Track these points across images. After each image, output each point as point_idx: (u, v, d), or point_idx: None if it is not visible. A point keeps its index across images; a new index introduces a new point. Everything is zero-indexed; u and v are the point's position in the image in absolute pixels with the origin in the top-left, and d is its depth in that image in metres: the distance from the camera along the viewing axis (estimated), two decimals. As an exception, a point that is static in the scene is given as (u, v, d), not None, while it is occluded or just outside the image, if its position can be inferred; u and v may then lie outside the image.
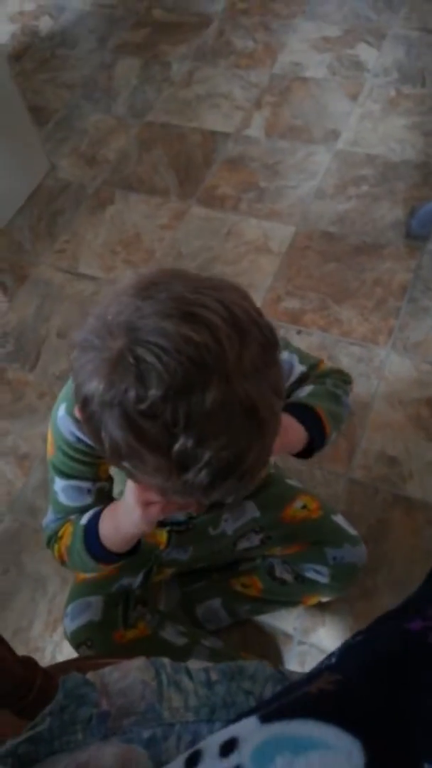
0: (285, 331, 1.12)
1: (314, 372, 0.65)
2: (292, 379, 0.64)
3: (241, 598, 0.80)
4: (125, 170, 1.41)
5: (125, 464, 0.43)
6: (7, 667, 0.45)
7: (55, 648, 0.88)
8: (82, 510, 0.62)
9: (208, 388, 0.38)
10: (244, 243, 1.25)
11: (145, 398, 0.38)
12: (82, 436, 0.57)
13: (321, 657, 0.80)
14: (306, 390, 0.64)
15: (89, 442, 0.56)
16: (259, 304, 1.14)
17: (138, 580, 0.75)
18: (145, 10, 1.75)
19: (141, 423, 0.39)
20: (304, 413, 0.60)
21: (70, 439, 0.58)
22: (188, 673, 0.41)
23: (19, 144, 1.37)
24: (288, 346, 0.64)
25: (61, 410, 0.59)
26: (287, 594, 0.78)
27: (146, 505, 0.51)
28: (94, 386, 0.40)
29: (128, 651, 0.71)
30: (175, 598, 0.83)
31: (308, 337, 1.10)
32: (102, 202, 1.37)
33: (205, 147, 1.41)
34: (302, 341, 1.10)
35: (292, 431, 0.58)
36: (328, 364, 0.69)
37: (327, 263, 1.18)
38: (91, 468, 0.60)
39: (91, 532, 0.59)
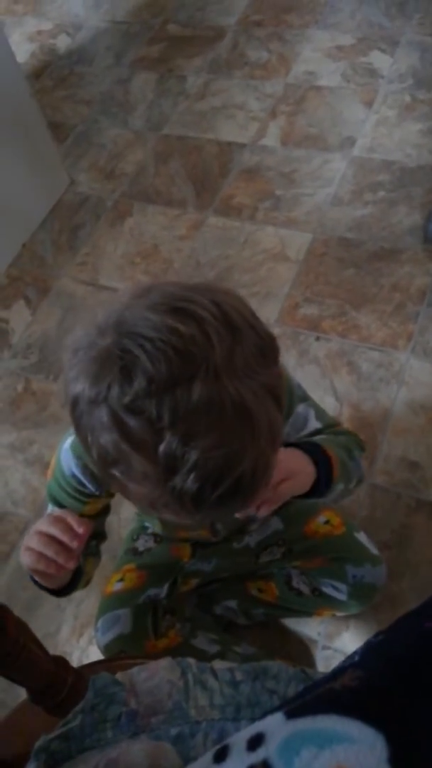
0: (304, 338, 1.12)
1: (329, 430, 0.62)
2: (304, 432, 0.60)
3: (257, 602, 0.80)
4: (143, 183, 1.44)
5: (115, 472, 0.41)
6: (40, 666, 0.46)
7: (81, 654, 0.89)
8: None
9: (194, 381, 0.36)
10: (262, 251, 1.26)
11: (129, 391, 0.37)
12: (78, 475, 0.59)
13: (345, 662, 0.81)
14: (318, 437, 0.61)
15: (84, 481, 0.58)
16: (277, 311, 1.16)
17: (164, 590, 0.77)
18: (159, 25, 1.78)
19: (126, 419, 0.37)
20: (314, 450, 0.57)
21: (67, 473, 0.60)
22: (213, 672, 0.42)
23: (40, 160, 1.41)
24: (306, 399, 0.62)
25: (66, 443, 0.60)
26: (302, 604, 0.79)
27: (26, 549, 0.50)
28: (81, 386, 0.39)
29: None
30: (192, 601, 0.84)
31: (327, 343, 1.11)
32: (121, 215, 1.40)
33: (222, 158, 1.43)
34: (321, 348, 1.10)
35: (296, 462, 0.55)
36: (345, 426, 0.67)
37: (345, 269, 1.19)
38: (81, 504, 0.61)
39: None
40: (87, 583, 0.66)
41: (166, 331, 0.37)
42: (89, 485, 0.59)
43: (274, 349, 0.42)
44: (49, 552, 0.48)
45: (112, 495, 0.64)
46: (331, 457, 0.57)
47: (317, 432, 0.62)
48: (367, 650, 0.40)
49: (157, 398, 0.36)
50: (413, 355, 1.06)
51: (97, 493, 0.60)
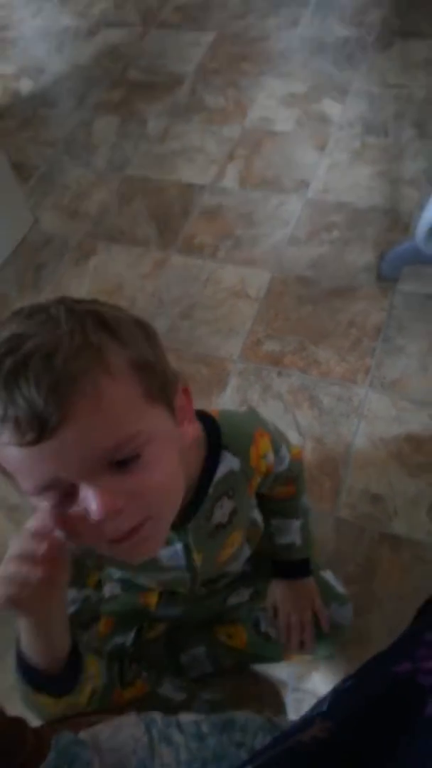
0: (266, 373, 1.15)
1: (294, 467, 0.70)
2: (282, 467, 0.67)
3: (225, 648, 0.80)
4: (107, 222, 1.46)
5: None
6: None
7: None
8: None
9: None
10: (224, 289, 1.29)
11: None
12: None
13: (315, 701, 0.80)
14: (295, 527, 0.74)
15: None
16: (239, 347, 1.19)
17: (130, 638, 0.75)
18: (120, 71, 1.84)
19: None
20: (308, 566, 0.77)
21: None
22: (179, 726, 0.42)
23: (3, 199, 1.42)
24: (281, 438, 0.67)
25: None
26: (271, 650, 0.79)
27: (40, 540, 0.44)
28: None
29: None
30: (159, 646, 0.82)
31: (289, 378, 1.13)
32: (85, 254, 1.41)
33: (183, 198, 1.47)
34: (283, 383, 1.13)
35: (311, 589, 0.77)
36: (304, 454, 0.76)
37: (303, 306, 1.22)
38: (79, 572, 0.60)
39: (18, 651, 0.53)
40: (93, 694, 0.58)
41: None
42: None
43: (112, 330, 0.43)
44: (11, 568, 0.44)
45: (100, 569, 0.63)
46: (310, 559, 0.77)
47: (287, 466, 0.67)
48: (336, 698, 0.40)
49: None
50: (371, 389, 1.09)
51: None
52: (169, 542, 0.60)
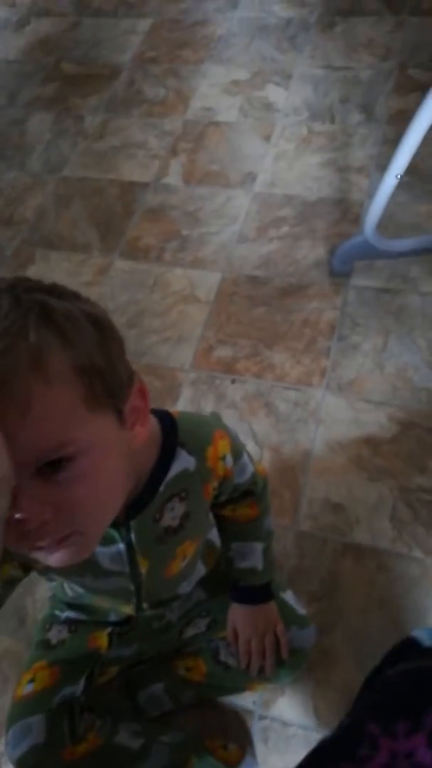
0: (220, 381, 1.10)
1: (259, 480, 0.67)
2: (244, 478, 0.64)
3: (185, 683, 0.75)
4: (44, 228, 1.38)
5: None
6: None
7: (0, 757, 0.81)
8: None
9: None
10: (171, 293, 1.23)
11: None
12: None
13: (284, 731, 0.77)
14: (257, 551, 0.70)
15: None
16: (191, 355, 1.13)
17: (80, 686, 0.70)
18: (53, 64, 1.74)
19: None
20: (269, 590, 0.73)
21: None
22: None
23: None
24: (243, 448, 0.65)
25: None
26: (232, 680, 0.75)
27: None
28: None
29: (82, 767, 0.66)
30: (113, 689, 0.78)
31: (243, 385, 1.09)
32: (22, 263, 1.33)
33: (124, 198, 1.40)
34: (237, 390, 1.08)
35: (272, 613, 0.73)
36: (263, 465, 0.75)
37: (255, 308, 1.17)
38: None
39: None
40: None
41: None
42: None
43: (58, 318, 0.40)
44: None
45: (26, 570, 0.58)
46: (272, 581, 0.73)
47: (250, 478, 0.64)
48: None
49: None
50: (328, 391, 1.05)
51: None
52: (109, 541, 0.55)
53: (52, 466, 0.39)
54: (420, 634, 0.51)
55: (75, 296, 0.43)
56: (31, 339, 0.37)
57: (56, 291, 0.42)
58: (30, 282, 0.42)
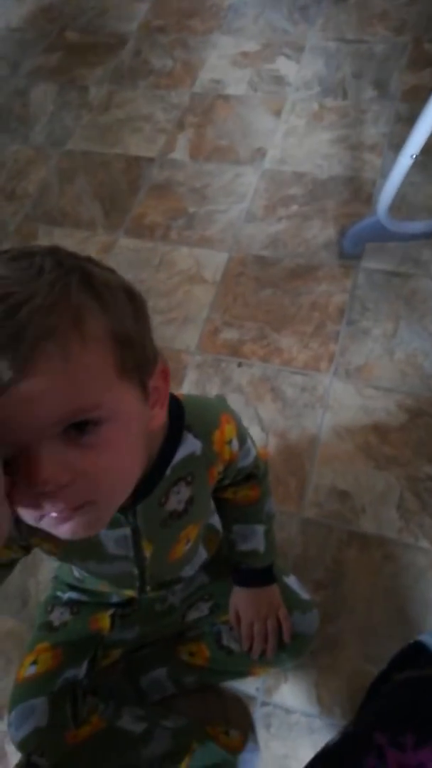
0: (226, 365, 1.08)
1: (261, 464, 0.67)
2: (248, 461, 0.64)
3: (188, 668, 0.75)
4: (47, 203, 1.34)
5: None
6: None
7: (3, 738, 0.81)
8: None
9: None
10: (177, 273, 1.20)
11: None
12: None
13: (286, 718, 0.77)
14: (258, 534, 0.69)
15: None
16: (197, 337, 1.11)
17: (83, 669, 0.70)
18: (57, 32, 1.68)
19: None
20: (271, 573, 0.73)
21: None
22: None
23: None
24: (247, 436, 0.64)
25: None
26: (234, 665, 0.74)
27: None
28: None
29: (84, 751, 0.66)
30: (116, 672, 0.77)
31: (249, 369, 1.06)
32: (25, 238, 1.30)
33: (130, 174, 1.36)
34: (244, 374, 1.06)
35: (274, 597, 0.73)
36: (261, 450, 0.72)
37: (262, 289, 1.15)
38: None
39: None
40: None
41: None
42: None
43: (100, 293, 0.40)
44: None
45: (27, 550, 0.57)
46: (273, 566, 0.73)
47: (252, 461, 0.64)
48: None
49: None
50: (336, 377, 1.03)
51: None
52: (115, 524, 0.55)
53: (77, 429, 0.38)
54: (428, 639, 0.49)
55: (110, 270, 0.44)
56: (73, 300, 0.37)
57: (94, 261, 0.43)
58: (68, 251, 0.42)
